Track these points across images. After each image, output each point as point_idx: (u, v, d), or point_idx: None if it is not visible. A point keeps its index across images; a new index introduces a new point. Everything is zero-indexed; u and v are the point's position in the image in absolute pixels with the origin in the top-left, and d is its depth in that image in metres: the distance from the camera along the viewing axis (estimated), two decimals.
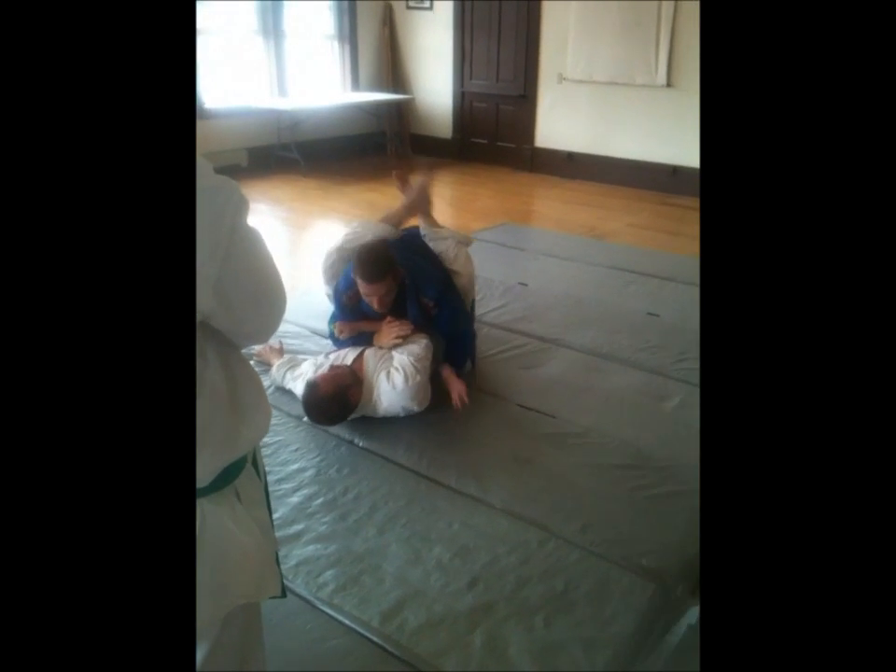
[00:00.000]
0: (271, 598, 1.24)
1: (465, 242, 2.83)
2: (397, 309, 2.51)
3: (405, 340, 2.48)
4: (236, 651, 0.92)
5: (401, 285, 2.49)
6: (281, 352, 2.80)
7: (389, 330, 2.49)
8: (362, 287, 2.40)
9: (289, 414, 2.49)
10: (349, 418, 2.37)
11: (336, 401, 2.29)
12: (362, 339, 2.57)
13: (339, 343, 2.65)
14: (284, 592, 1.23)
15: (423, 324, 2.53)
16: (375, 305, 2.44)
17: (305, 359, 2.65)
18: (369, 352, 2.48)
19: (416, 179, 2.97)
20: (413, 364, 2.38)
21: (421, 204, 2.86)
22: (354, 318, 2.58)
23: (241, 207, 0.82)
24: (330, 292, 2.70)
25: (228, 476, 0.92)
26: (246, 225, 0.85)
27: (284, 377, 2.61)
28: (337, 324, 2.59)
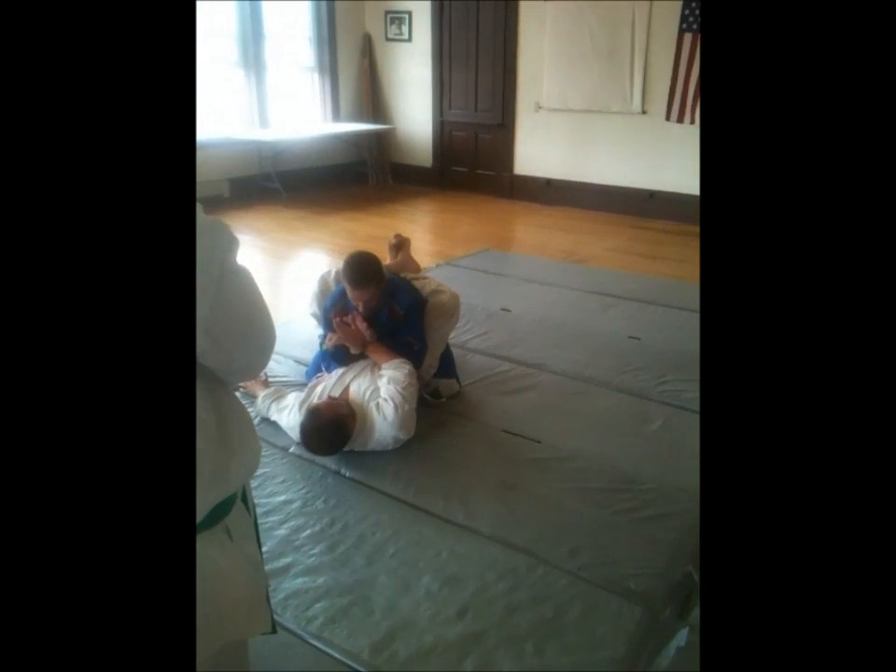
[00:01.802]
0: (266, 634, 1.24)
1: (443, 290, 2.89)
2: (374, 315, 2.63)
3: (385, 363, 2.51)
4: None
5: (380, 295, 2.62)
6: (266, 383, 2.80)
7: (354, 334, 2.56)
8: (349, 291, 2.54)
9: (275, 445, 2.49)
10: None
11: (336, 428, 2.31)
12: (344, 358, 2.63)
13: (326, 364, 2.70)
14: (274, 627, 1.23)
15: (387, 330, 2.61)
16: (360, 308, 2.57)
17: (290, 391, 2.66)
18: (354, 385, 2.50)
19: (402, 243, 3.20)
20: (400, 393, 2.40)
21: (407, 266, 3.08)
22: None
23: (231, 246, 0.84)
24: (318, 312, 2.83)
25: (218, 513, 0.92)
26: (236, 264, 0.87)
27: (269, 408, 2.61)
28: (329, 335, 2.67)
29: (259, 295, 0.94)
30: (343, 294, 2.66)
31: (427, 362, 2.71)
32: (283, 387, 2.75)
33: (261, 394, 2.68)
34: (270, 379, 2.88)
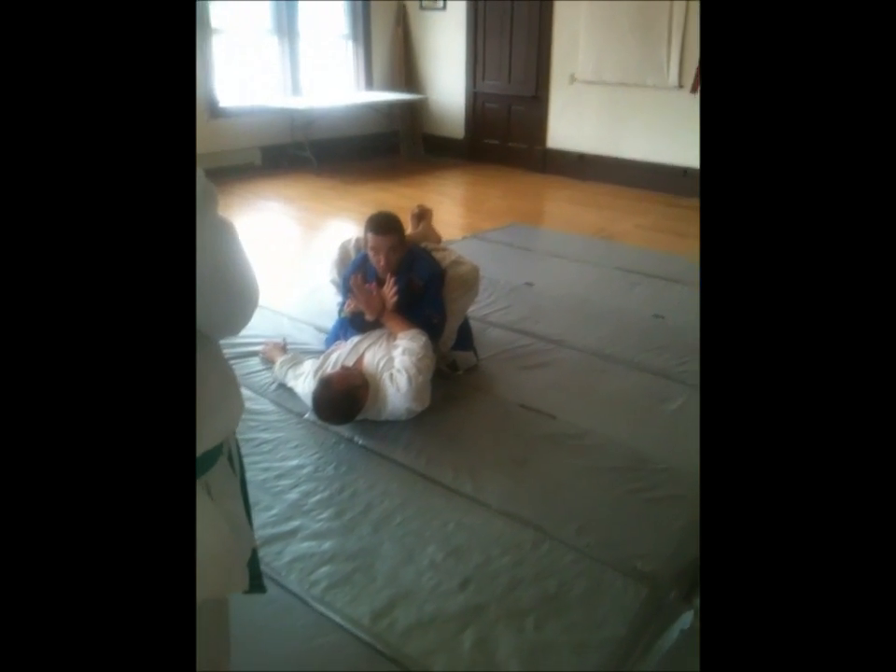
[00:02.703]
0: (254, 594, 1.25)
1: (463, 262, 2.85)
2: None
3: (402, 333, 2.50)
4: (203, 650, 0.93)
5: (400, 261, 2.61)
6: (284, 349, 2.82)
7: (371, 298, 2.54)
8: (371, 240, 2.56)
9: (290, 411, 2.50)
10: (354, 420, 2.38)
11: (348, 399, 2.31)
12: (361, 325, 2.62)
13: (343, 331, 2.70)
14: (263, 587, 1.23)
15: (405, 302, 2.58)
16: (382, 262, 2.56)
17: (307, 358, 2.66)
18: (368, 354, 2.49)
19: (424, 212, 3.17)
20: (415, 364, 2.39)
21: (429, 236, 3.06)
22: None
23: (205, 198, 0.81)
24: (337, 279, 2.82)
25: (196, 470, 0.92)
26: (214, 216, 0.85)
27: (286, 375, 2.63)
28: (348, 301, 2.65)
29: (241, 251, 0.92)
30: (363, 261, 2.65)
31: (444, 335, 2.70)
32: (300, 354, 2.76)
33: (279, 360, 2.70)
34: (289, 346, 2.90)
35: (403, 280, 2.59)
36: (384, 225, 2.56)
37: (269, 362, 2.78)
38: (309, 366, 2.56)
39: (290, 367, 2.64)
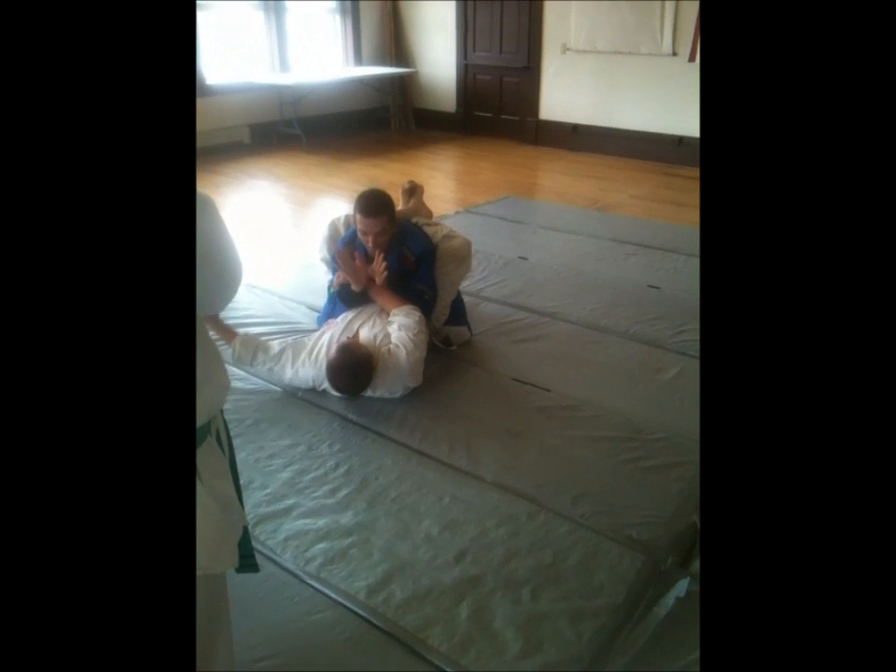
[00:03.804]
0: (249, 573, 1.25)
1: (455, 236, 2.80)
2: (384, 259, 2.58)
3: (395, 309, 2.47)
4: (200, 627, 0.92)
5: (391, 238, 2.57)
6: (234, 331, 2.63)
7: (355, 269, 2.51)
8: (360, 222, 2.50)
9: (283, 391, 2.49)
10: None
11: (366, 365, 2.31)
12: (354, 299, 2.58)
13: (333, 307, 2.67)
14: (256, 566, 1.23)
15: (397, 276, 2.55)
16: (370, 243, 2.52)
17: (273, 341, 2.56)
18: (363, 331, 2.47)
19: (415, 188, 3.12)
20: (411, 340, 2.37)
21: (420, 211, 3.02)
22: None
23: None
24: (327, 257, 2.78)
25: None
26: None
27: (254, 358, 2.49)
28: (339, 273, 2.61)
29: (222, 226, 0.90)
30: (353, 236, 2.62)
31: (437, 309, 2.68)
32: (257, 337, 2.64)
33: (237, 341, 2.54)
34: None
35: (395, 255, 2.57)
36: (372, 206, 2.50)
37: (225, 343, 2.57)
38: (279, 349, 2.47)
39: (259, 351, 2.50)
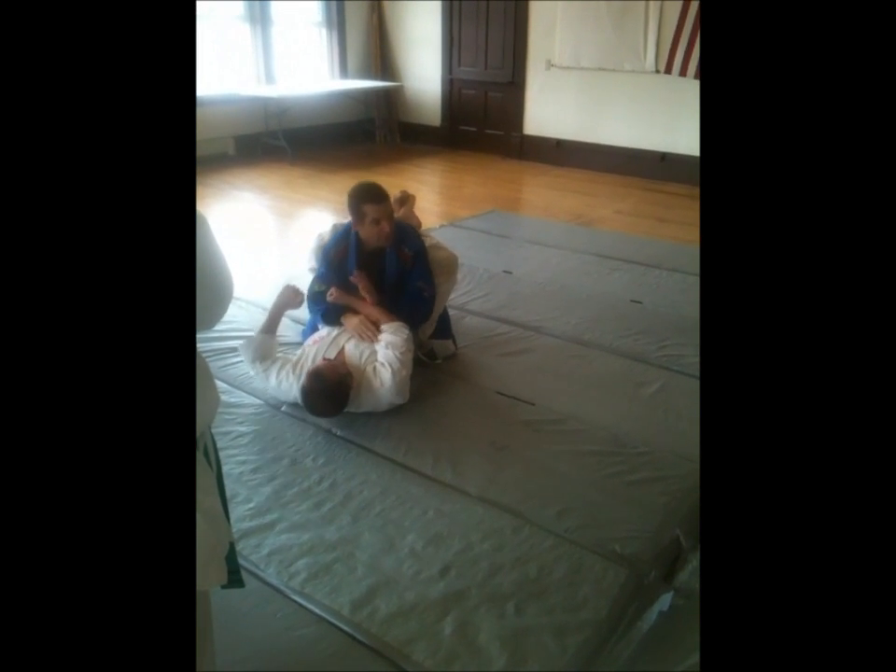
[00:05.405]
0: (233, 589, 1.24)
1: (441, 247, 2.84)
2: (379, 262, 2.60)
3: (384, 326, 2.48)
4: None
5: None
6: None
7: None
8: (373, 210, 2.49)
9: (267, 404, 2.48)
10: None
11: (340, 388, 2.28)
12: (334, 318, 2.59)
13: (316, 316, 2.66)
14: (241, 581, 1.22)
15: (396, 275, 2.58)
16: (387, 229, 2.51)
17: (279, 354, 2.58)
18: (349, 347, 2.47)
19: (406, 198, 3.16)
20: (398, 359, 2.37)
21: (409, 220, 3.03)
22: (339, 279, 2.61)
23: None
24: (316, 265, 2.77)
25: None
26: None
27: (262, 369, 2.51)
28: (333, 288, 2.59)
29: (215, 244, 0.90)
30: (344, 235, 2.62)
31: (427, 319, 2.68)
32: (276, 345, 2.70)
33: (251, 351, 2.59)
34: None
35: (393, 253, 2.58)
36: (379, 191, 2.51)
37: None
38: (280, 363, 2.49)
39: (261, 361, 2.52)
